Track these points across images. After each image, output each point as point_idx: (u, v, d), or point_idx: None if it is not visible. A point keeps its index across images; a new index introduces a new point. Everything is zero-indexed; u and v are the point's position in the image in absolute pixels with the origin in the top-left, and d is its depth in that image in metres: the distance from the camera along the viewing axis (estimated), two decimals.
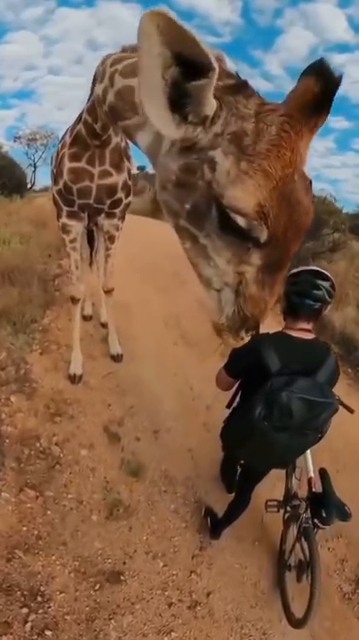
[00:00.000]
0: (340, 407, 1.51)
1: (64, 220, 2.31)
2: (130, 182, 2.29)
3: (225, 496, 2.17)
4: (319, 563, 1.61)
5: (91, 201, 2.17)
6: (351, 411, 1.65)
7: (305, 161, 0.76)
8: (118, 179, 2.15)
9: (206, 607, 1.74)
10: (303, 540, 1.68)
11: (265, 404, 1.26)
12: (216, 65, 0.63)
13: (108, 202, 2.23)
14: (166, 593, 1.75)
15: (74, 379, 2.68)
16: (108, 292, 2.77)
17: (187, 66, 0.64)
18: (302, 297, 1.42)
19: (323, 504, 1.59)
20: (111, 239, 2.53)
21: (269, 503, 1.91)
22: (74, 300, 2.62)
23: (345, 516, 1.56)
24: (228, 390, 1.61)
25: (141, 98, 0.70)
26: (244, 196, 0.69)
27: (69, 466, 2.17)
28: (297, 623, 1.65)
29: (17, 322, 2.98)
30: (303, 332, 1.43)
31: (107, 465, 2.22)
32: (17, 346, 2.75)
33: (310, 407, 1.27)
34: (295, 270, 1.44)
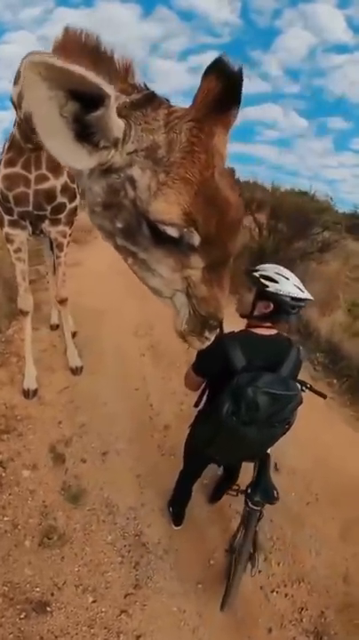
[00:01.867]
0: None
1: (6, 229, 2.21)
2: (73, 185, 2.15)
3: (170, 532, 2.01)
4: (247, 548, 1.63)
5: (30, 208, 2.06)
6: (324, 396, 1.69)
7: (224, 157, 0.77)
8: (56, 183, 2.03)
9: None
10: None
11: (232, 400, 1.28)
12: (110, 91, 0.63)
13: (49, 208, 2.11)
14: (92, 630, 1.63)
15: (27, 393, 2.58)
16: (62, 302, 2.64)
17: (83, 98, 0.64)
18: (290, 316, 1.46)
19: (253, 484, 1.62)
20: (59, 247, 2.41)
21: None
22: (23, 313, 2.51)
23: (269, 498, 1.56)
24: (197, 390, 1.61)
25: (43, 141, 0.69)
26: (168, 208, 0.71)
27: (10, 487, 2.08)
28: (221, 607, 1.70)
29: None
30: (266, 328, 1.46)
31: (48, 488, 2.10)
32: None
33: (275, 400, 1.29)
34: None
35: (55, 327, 3.32)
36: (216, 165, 0.73)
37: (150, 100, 0.76)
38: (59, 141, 0.68)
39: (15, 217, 2.12)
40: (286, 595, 1.89)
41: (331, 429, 2.90)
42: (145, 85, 0.82)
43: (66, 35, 1.01)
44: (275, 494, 1.55)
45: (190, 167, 0.70)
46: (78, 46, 0.84)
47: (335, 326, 3.57)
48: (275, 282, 1.38)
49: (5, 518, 1.93)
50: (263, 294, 1.40)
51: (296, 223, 4.31)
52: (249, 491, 1.60)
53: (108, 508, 2.06)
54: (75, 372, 2.85)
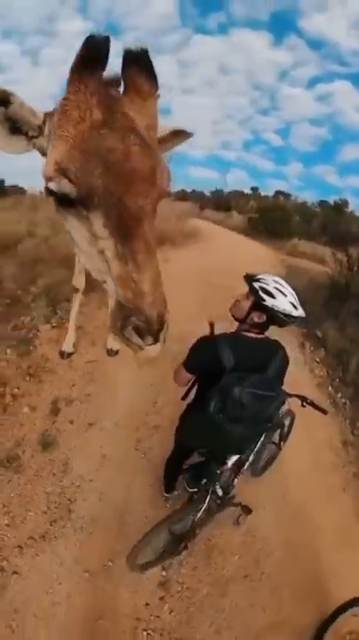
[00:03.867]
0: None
1: None
2: None
3: (98, 516, 2.06)
4: (169, 522, 1.72)
5: None
6: (324, 412, 1.78)
7: (134, 122, 0.77)
8: None
9: None
10: None
11: (219, 398, 1.39)
12: (10, 90, 0.78)
13: None
14: None
15: (62, 354, 3.08)
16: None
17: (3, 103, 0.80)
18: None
19: (191, 466, 1.83)
20: None
21: None
22: (74, 290, 2.99)
23: (193, 484, 1.81)
24: (185, 386, 1.70)
25: None
26: (47, 165, 0.76)
27: (10, 414, 2.53)
28: None
29: (53, 298, 3.63)
30: (256, 332, 1.54)
31: (34, 428, 2.47)
32: (35, 315, 3.37)
33: (259, 400, 1.39)
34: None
35: None
36: (98, 120, 0.74)
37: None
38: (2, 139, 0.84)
39: None
40: None
41: (330, 496, 2.32)
42: None
43: None
44: (203, 482, 1.67)
45: (65, 124, 0.74)
46: None
47: None
48: (273, 297, 1.43)
49: None
50: (259, 306, 1.45)
51: None
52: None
53: (65, 466, 2.28)
54: (110, 353, 3.17)
